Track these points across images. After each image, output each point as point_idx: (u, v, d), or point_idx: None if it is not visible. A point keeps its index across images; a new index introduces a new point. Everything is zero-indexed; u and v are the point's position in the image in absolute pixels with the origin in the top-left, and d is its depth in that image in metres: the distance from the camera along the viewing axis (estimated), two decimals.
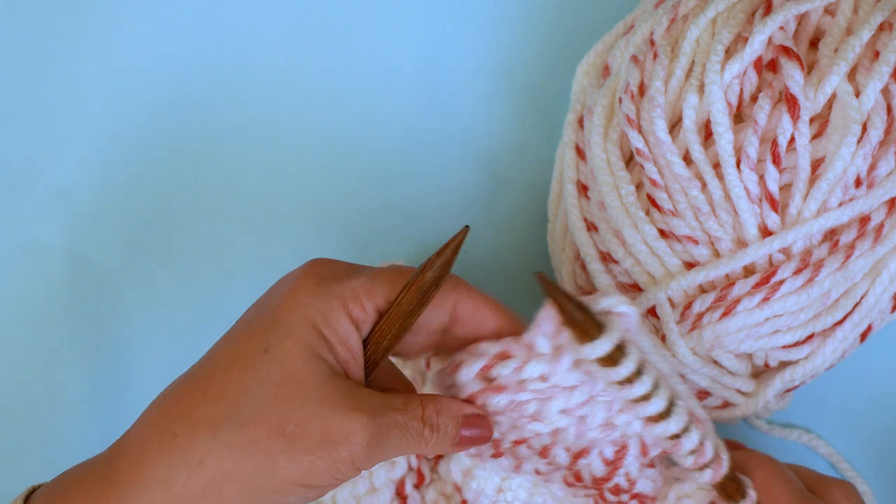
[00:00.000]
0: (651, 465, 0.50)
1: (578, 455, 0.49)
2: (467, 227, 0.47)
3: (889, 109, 0.52)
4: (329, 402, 0.43)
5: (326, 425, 0.43)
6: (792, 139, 0.52)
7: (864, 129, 0.52)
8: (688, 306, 0.53)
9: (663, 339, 0.54)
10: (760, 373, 0.55)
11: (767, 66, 0.54)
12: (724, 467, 0.48)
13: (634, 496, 0.50)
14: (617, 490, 0.50)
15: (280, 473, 0.43)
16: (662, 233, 0.54)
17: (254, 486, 0.43)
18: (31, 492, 0.45)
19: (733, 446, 0.51)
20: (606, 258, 0.56)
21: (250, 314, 0.46)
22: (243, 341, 0.44)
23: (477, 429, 0.47)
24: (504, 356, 0.46)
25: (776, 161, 0.52)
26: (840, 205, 0.52)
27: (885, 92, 0.53)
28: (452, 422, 0.46)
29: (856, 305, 0.54)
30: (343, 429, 0.43)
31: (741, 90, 0.54)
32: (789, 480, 0.49)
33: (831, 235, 0.53)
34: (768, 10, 0.54)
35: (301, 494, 0.44)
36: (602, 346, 0.43)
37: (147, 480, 0.43)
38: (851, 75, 0.53)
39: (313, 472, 0.43)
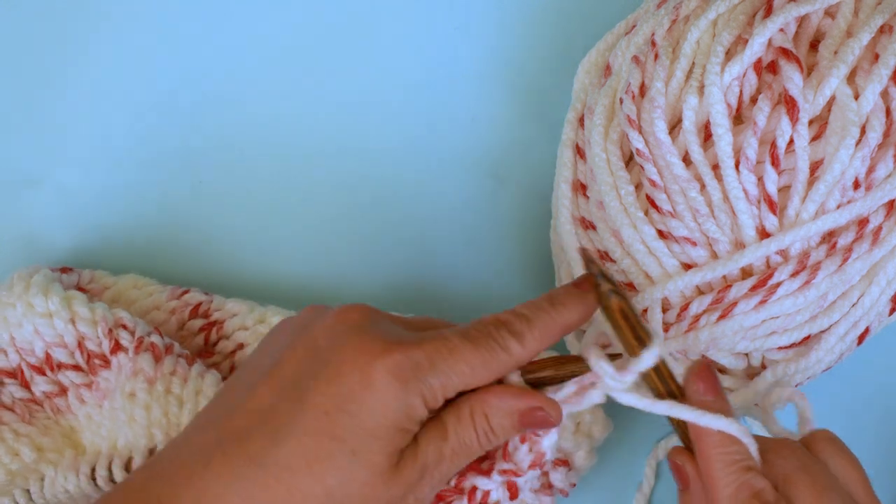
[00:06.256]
0: None
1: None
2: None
3: (888, 112, 0.53)
4: (405, 482, 0.47)
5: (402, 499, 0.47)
6: (791, 141, 0.52)
7: (863, 131, 0.52)
8: (685, 307, 0.54)
9: None
10: (755, 374, 0.55)
11: (767, 68, 0.54)
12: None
13: None
14: None
15: None
16: (661, 233, 0.54)
17: None
18: None
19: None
20: (604, 257, 0.56)
21: (328, 401, 0.46)
22: (326, 438, 0.46)
23: (539, 414, 0.48)
24: None
25: (775, 163, 0.52)
26: (838, 207, 0.52)
27: (885, 94, 0.53)
28: (508, 419, 0.48)
29: (852, 308, 0.54)
30: (415, 494, 0.48)
31: (741, 92, 0.54)
32: (729, 445, 0.47)
33: (829, 238, 0.53)
34: (769, 11, 0.54)
35: None
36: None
37: None
38: (851, 78, 0.53)
39: None
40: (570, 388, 0.49)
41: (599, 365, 0.47)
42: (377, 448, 0.46)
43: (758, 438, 0.48)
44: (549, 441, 0.50)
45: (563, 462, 0.56)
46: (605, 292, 0.47)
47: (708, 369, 0.48)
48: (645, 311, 0.54)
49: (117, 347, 0.56)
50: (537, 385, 0.49)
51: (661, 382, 0.48)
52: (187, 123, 0.65)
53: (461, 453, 0.48)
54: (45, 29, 0.65)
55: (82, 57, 0.65)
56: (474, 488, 0.52)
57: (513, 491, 0.52)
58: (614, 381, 0.47)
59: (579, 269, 0.56)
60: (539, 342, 0.48)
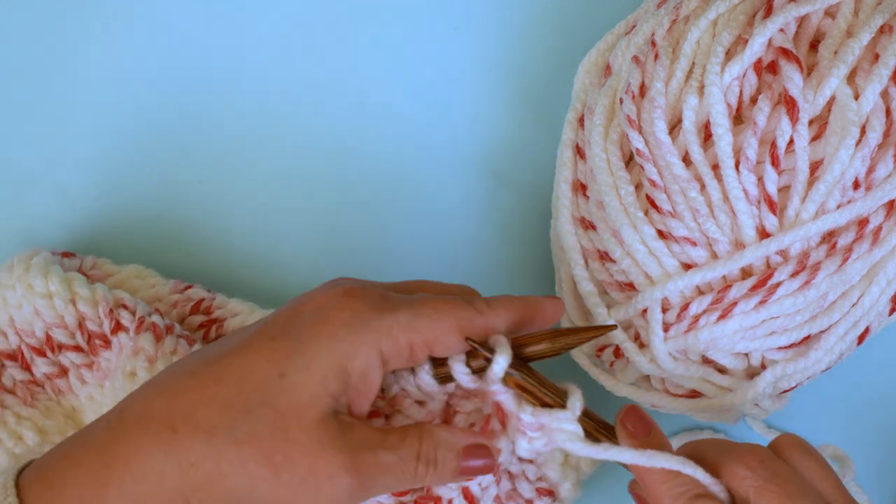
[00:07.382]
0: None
1: None
2: (615, 325, 0.52)
3: (888, 112, 0.53)
4: (320, 441, 0.44)
5: (313, 463, 0.44)
6: (791, 141, 0.52)
7: (863, 131, 0.52)
8: (685, 307, 0.54)
9: (641, 345, 0.55)
10: (755, 374, 0.55)
11: (767, 68, 0.54)
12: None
13: None
14: None
15: (258, 497, 0.44)
16: (661, 233, 0.54)
17: (235, 498, 0.44)
18: (24, 467, 0.46)
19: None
20: (604, 257, 0.56)
21: (277, 329, 0.46)
22: (262, 359, 0.45)
23: (480, 459, 0.47)
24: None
25: (775, 163, 0.52)
26: (838, 207, 0.52)
27: (885, 94, 0.53)
28: (452, 454, 0.47)
29: (852, 308, 0.54)
30: (328, 470, 0.44)
31: (741, 92, 0.54)
32: (673, 478, 0.46)
33: (829, 238, 0.53)
34: (769, 12, 0.54)
35: None
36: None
37: (142, 470, 0.44)
38: (851, 78, 0.53)
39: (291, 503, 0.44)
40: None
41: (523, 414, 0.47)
42: (307, 377, 0.44)
43: (724, 447, 0.47)
44: None
45: (549, 492, 0.56)
46: (499, 373, 0.47)
47: (634, 411, 0.47)
48: (644, 311, 0.54)
49: (118, 327, 0.56)
50: (530, 360, 0.48)
51: (596, 431, 0.47)
52: (187, 123, 0.65)
53: (396, 471, 0.46)
54: (45, 29, 0.65)
55: (82, 56, 0.65)
56: None
57: None
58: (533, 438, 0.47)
59: (579, 270, 0.57)
60: (507, 314, 0.48)
